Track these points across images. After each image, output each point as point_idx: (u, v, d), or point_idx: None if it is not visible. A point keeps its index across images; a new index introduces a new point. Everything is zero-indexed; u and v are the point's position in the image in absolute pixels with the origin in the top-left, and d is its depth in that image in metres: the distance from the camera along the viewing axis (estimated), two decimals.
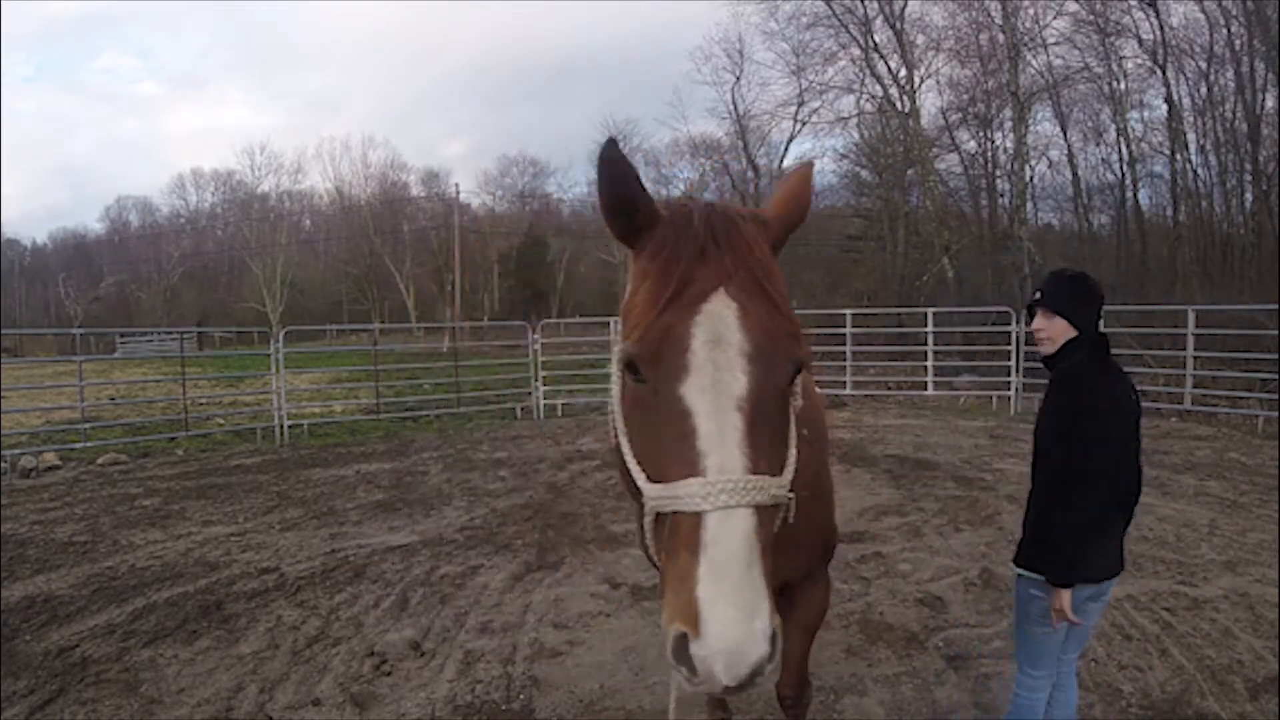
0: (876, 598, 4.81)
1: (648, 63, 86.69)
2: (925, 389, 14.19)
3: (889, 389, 14.90)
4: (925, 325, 14.28)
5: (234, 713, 3.65)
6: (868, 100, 27.57)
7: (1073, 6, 22.60)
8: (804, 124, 29.97)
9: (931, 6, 25.88)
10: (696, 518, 1.20)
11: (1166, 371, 12.36)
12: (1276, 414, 10.27)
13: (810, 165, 1.71)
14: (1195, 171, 22.16)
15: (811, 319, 15.24)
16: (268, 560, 5.83)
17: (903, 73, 25.29)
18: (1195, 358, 11.51)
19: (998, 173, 26.15)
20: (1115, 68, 23.11)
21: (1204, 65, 21.51)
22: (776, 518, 1.34)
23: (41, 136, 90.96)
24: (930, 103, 29.04)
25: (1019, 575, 2.65)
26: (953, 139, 27.01)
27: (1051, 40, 23.57)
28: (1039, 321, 2.64)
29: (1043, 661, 2.69)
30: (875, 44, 25.43)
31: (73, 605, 4.94)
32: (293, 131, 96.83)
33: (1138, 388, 2.67)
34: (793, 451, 1.43)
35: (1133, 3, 21.85)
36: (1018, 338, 12.64)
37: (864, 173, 31.51)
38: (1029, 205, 25.07)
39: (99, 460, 9.89)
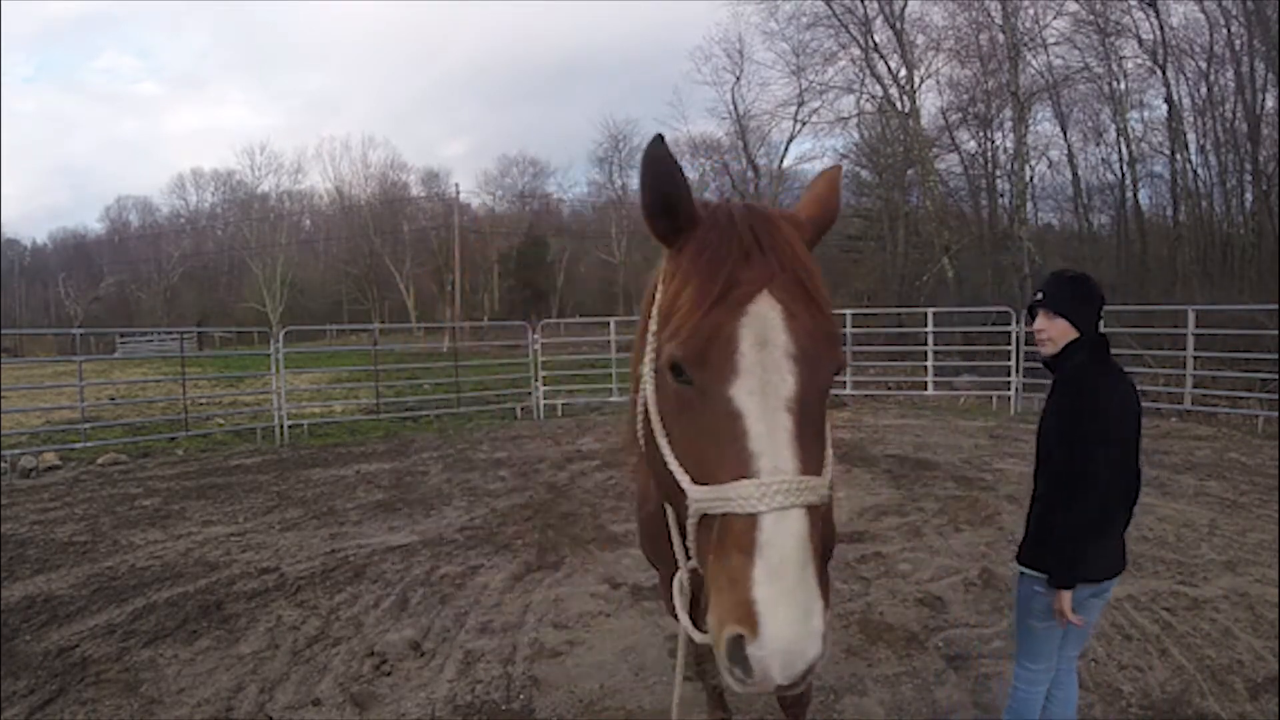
0: (876, 598, 4.81)
1: (648, 63, 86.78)
2: (925, 389, 14.19)
3: (889, 389, 14.90)
4: (925, 325, 14.28)
5: (234, 713, 3.65)
6: (868, 100, 27.59)
7: (1073, 6, 22.62)
8: (804, 124, 29.99)
9: (931, 6, 25.91)
10: (751, 519, 1.20)
11: (1166, 371, 12.36)
12: (1276, 414, 10.27)
13: (839, 168, 1.71)
14: (1195, 171, 22.17)
15: None
16: (268, 560, 5.83)
17: (903, 73, 25.29)
18: (1195, 358, 11.50)
19: (998, 173, 26.16)
20: (1115, 68, 23.12)
21: (1204, 65, 21.52)
22: (819, 517, 1.35)
23: (41, 136, 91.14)
24: (930, 103, 29.09)
25: (1021, 572, 2.67)
26: (953, 139, 27.02)
27: (1051, 40, 23.59)
28: (1040, 322, 2.64)
29: (1042, 656, 2.71)
30: (875, 44, 25.44)
31: (73, 605, 4.94)
32: (293, 131, 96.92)
33: (1138, 388, 2.68)
34: (829, 451, 1.43)
35: (1133, 3, 21.85)
36: (1018, 338, 12.64)
37: (864, 173, 31.50)
38: (1029, 205, 25.08)
39: (99, 460, 9.89)
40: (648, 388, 1.46)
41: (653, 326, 1.48)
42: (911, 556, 5.55)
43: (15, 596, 5.10)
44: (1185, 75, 22.01)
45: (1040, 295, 2.65)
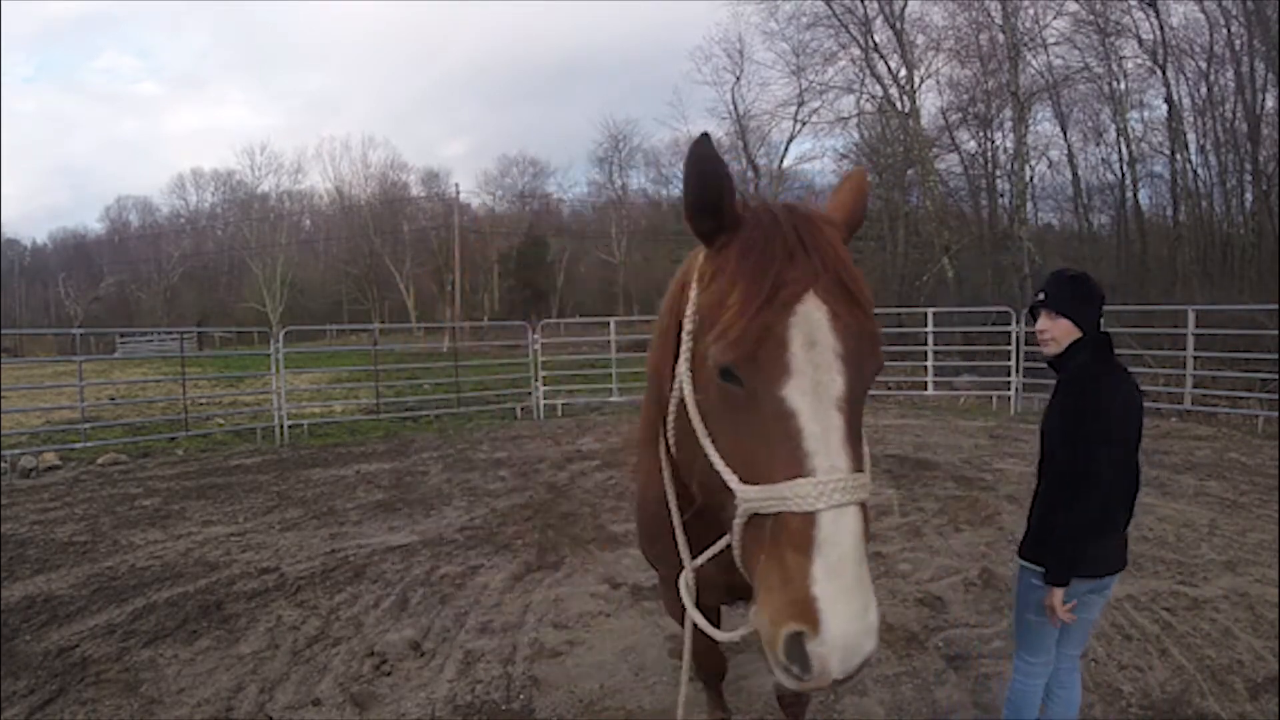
0: (877, 598, 4.80)
1: (648, 63, 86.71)
2: (925, 389, 14.19)
3: (889, 389, 14.89)
4: (925, 325, 14.27)
5: (234, 713, 3.65)
6: (868, 100, 27.59)
7: (1073, 6, 22.63)
8: (804, 124, 30.03)
9: (931, 6, 25.90)
10: (808, 517, 1.21)
11: (1166, 371, 12.36)
12: (1276, 414, 10.27)
13: (863, 171, 1.75)
14: (1195, 171, 22.18)
15: None
16: (268, 560, 5.83)
17: (903, 73, 25.29)
18: (1195, 358, 11.50)
19: (998, 173, 26.16)
20: (1115, 68, 23.13)
21: (1204, 65, 21.52)
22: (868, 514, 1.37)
23: (41, 136, 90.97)
24: (930, 103, 29.09)
25: (1022, 566, 2.70)
26: (953, 139, 27.02)
27: (1051, 40, 23.59)
28: (1043, 323, 2.65)
29: (1041, 649, 2.74)
30: (875, 44, 25.44)
31: (73, 605, 4.94)
32: (293, 131, 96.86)
33: (1140, 387, 2.68)
34: (867, 448, 1.46)
35: (1133, 3, 21.86)
36: (1018, 338, 12.64)
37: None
38: (1029, 205, 25.08)
39: (99, 460, 9.89)
40: (685, 389, 1.45)
41: (688, 326, 1.46)
42: (911, 556, 5.55)
43: (15, 596, 5.10)
44: (1185, 75, 22.03)
45: (1042, 296, 2.65)
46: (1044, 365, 2.81)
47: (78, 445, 10.39)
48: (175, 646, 4.35)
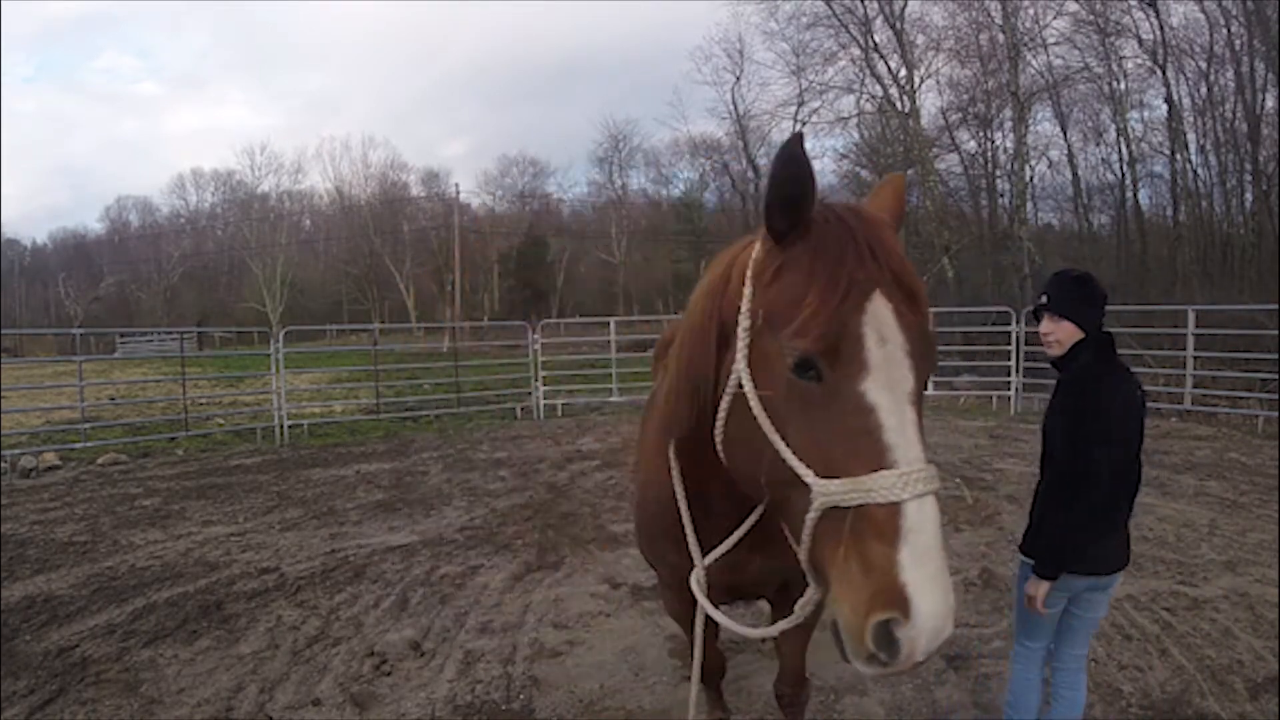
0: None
1: (648, 63, 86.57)
2: (925, 389, 14.17)
3: None
4: None
5: (234, 713, 3.65)
6: (868, 100, 27.62)
7: (1073, 6, 22.66)
8: (804, 124, 29.95)
9: (931, 6, 25.91)
10: (893, 508, 1.25)
11: (1166, 371, 12.36)
12: (1276, 414, 10.27)
13: (902, 176, 1.78)
14: (1195, 171, 22.19)
15: None
16: (268, 560, 5.83)
17: (903, 73, 25.31)
18: (1195, 358, 11.50)
19: (998, 173, 26.20)
20: (1115, 68, 23.15)
21: (1204, 65, 21.54)
22: None
23: (41, 136, 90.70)
24: (930, 103, 29.08)
25: (1022, 561, 2.74)
26: (953, 139, 27.05)
27: (1051, 40, 23.62)
28: (1046, 325, 2.67)
29: (1040, 635, 2.80)
30: (875, 44, 25.46)
31: (73, 605, 4.94)
32: (293, 131, 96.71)
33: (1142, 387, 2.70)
34: None
35: (1133, 3, 21.87)
36: (1018, 338, 12.64)
37: (864, 173, 31.50)
38: (1029, 205, 25.11)
39: (99, 460, 9.89)
40: (746, 385, 1.46)
41: (745, 323, 1.47)
42: None
43: (15, 596, 5.10)
44: (1185, 75, 22.04)
45: (1044, 298, 2.66)
46: (1044, 365, 2.83)
47: (78, 445, 10.39)
48: (175, 646, 4.35)
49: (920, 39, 25.48)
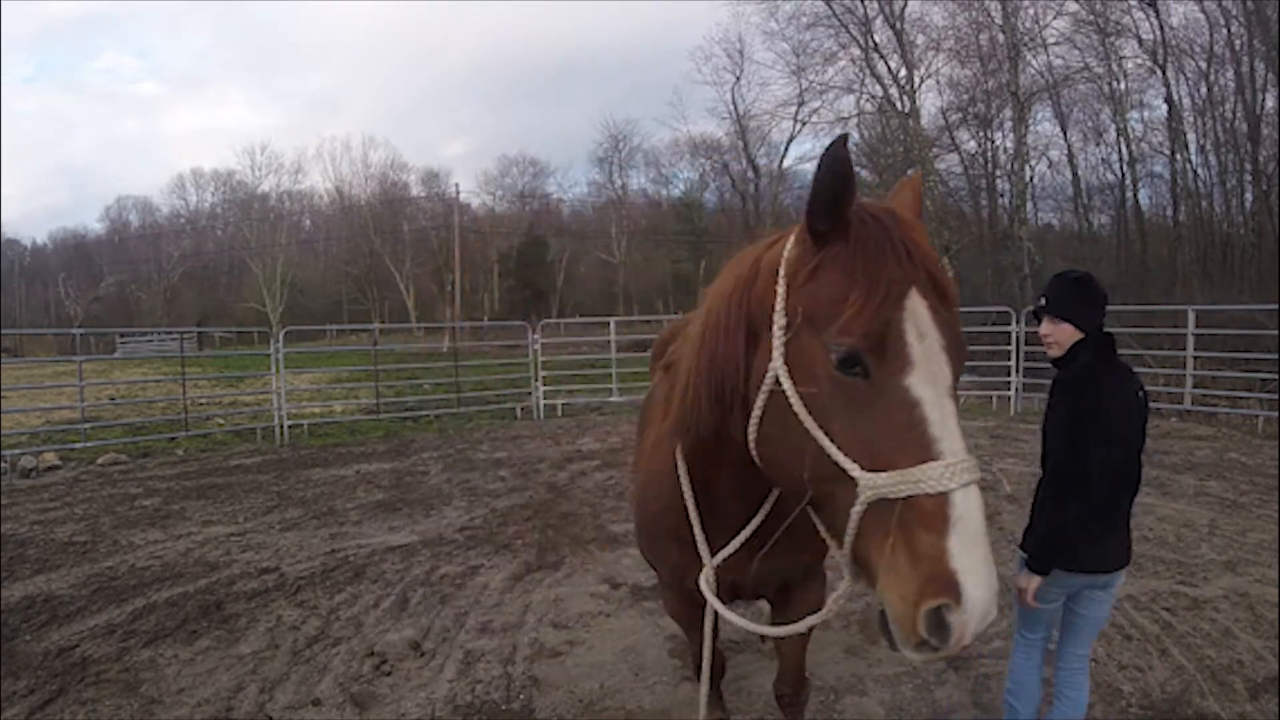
0: (876, 598, 4.80)
1: (648, 63, 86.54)
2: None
3: None
4: None
5: (234, 713, 3.65)
6: (868, 100, 27.64)
7: (1073, 6, 22.67)
8: (804, 124, 30.07)
9: (931, 6, 25.92)
10: (942, 498, 1.29)
11: (1166, 371, 12.36)
12: (1276, 414, 10.27)
13: (919, 176, 1.81)
14: (1195, 171, 22.20)
15: None
16: (268, 560, 5.83)
17: (903, 73, 25.33)
18: (1195, 358, 11.50)
19: (998, 173, 26.21)
20: (1115, 68, 23.17)
21: (1204, 65, 21.54)
22: None
23: (41, 136, 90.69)
24: (930, 103, 29.13)
25: (1020, 553, 2.79)
26: (953, 139, 27.06)
27: (1051, 40, 23.64)
28: (1045, 327, 2.69)
29: (1038, 626, 2.86)
30: (875, 44, 25.47)
31: (73, 605, 4.94)
32: (293, 131, 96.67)
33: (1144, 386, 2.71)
34: None
35: (1133, 3, 21.88)
36: (1018, 338, 12.63)
37: (864, 173, 31.49)
38: (1029, 205, 25.11)
39: (99, 460, 9.89)
40: (785, 383, 1.47)
41: (781, 321, 1.48)
42: None
43: (15, 596, 5.10)
44: (1185, 75, 22.05)
45: (1043, 301, 2.68)
46: (1044, 365, 2.85)
47: (78, 445, 10.39)
48: (175, 646, 4.35)
49: (920, 39, 25.53)
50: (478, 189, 59.36)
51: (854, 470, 1.36)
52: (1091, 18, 22.47)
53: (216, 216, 58.22)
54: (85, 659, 4.18)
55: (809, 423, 1.42)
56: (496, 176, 56.53)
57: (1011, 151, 24.68)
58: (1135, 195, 24.48)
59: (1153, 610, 4.49)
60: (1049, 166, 27.00)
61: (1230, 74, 21.01)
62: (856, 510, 1.35)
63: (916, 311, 1.39)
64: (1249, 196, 21.12)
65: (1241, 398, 11.67)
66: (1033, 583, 2.63)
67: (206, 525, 6.86)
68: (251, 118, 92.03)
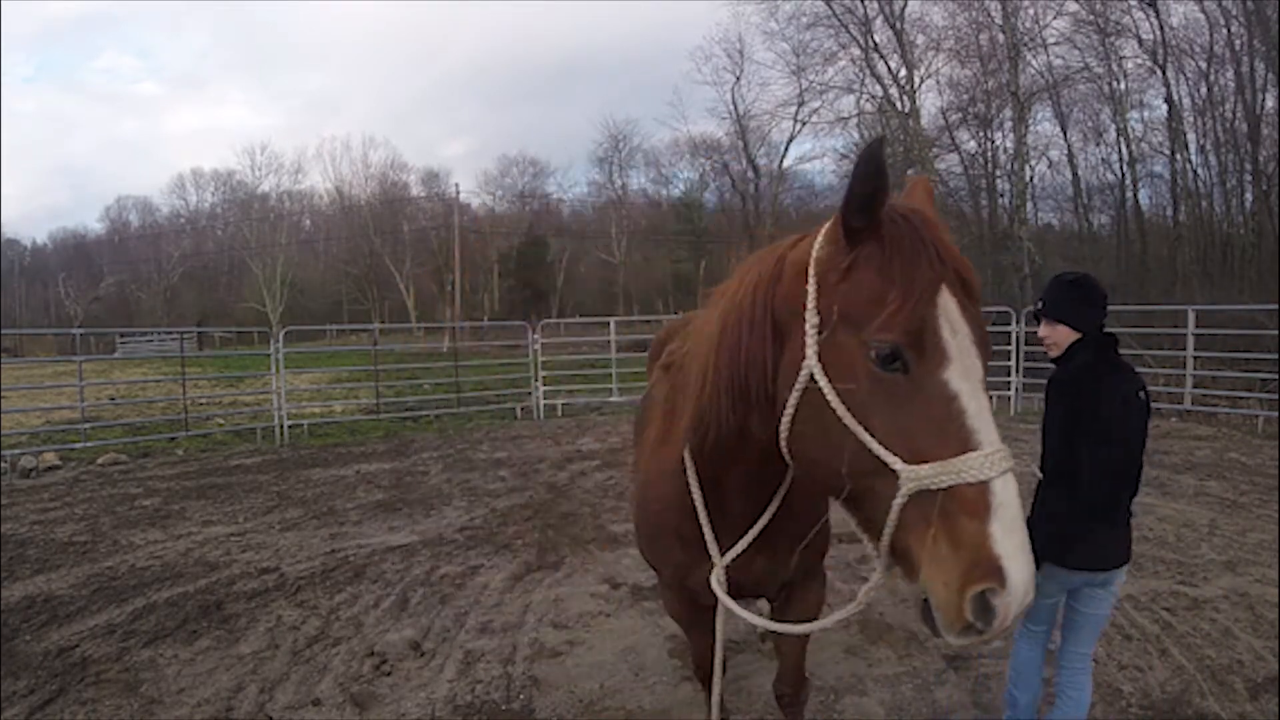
0: (876, 598, 4.78)
1: (648, 63, 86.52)
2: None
3: None
4: None
5: (234, 713, 3.65)
6: (868, 100, 27.63)
7: (1073, 6, 22.66)
8: (804, 124, 30.06)
9: (931, 6, 25.92)
10: (982, 486, 1.34)
11: (1166, 371, 12.36)
12: (1276, 414, 10.27)
13: (926, 178, 1.84)
14: (1195, 171, 22.19)
15: None
16: (268, 560, 5.83)
17: (903, 73, 25.34)
18: (1195, 358, 11.50)
19: (998, 173, 26.19)
20: (1115, 68, 23.16)
21: (1204, 65, 21.53)
22: None
23: (41, 136, 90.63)
24: (930, 103, 29.09)
25: None
26: (953, 139, 27.05)
27: (1051, 40, 23.62)
28: (1043, 330, 2.73)
29: (1042, 619, 2.87)
30: (875, 44, 25.48)
31: (73, 605, 4.94)
32: (293, 131, 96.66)
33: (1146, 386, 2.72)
34: None
35: (1133, 3, 21.87)
36: (1018, 338, 12.63)
37: None
38: (1029, 205, 25.11)
39: (99, 460, 9.89)
40: (821, 381, 1.49)
41: (813, 320, 1.50)
42: None
43: (15, 596, 5.10)
44: (1185, 75, 22.04)
45: (1041, 304, 2.72)
46: (1045, 365, 2.86)
47: (78, 445, 10.39)
48: (175, 646, 4.35)
49: (920, 39, 25.53)
50: (478, 189, 59.40)
51: (895, 463, 1.39)
52: (1091, 18, 22.48)
53: (216, 216, 58.24)
54: (85, 659, 4.18)
55: (848, 419, 1.45)
56: (496, 176, 56.60)
57: (1011, 151, 24.69)
58: (1135, 195, 24.50)
59: (1153, 610, 4.49)
60: (1049, 166, 27.02)
61: (1230, 74, 21.01)
62: (898, 502, 1.38)
63: (948, 308, 1.43)
64: (1249, 196, 21.12)
65: (1241, 398, 11.67)
66: None
67: (206, 525, 6.86)
68: (251, 118, 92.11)
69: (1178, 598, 4.66)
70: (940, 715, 3.50)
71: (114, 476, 9.11)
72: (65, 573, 5.58)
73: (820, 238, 1.57)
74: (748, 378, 1.66)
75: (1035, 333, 2.83)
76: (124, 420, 12.47)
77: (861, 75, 26.86)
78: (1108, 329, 2.70)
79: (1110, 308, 2.71)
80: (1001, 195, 26.19)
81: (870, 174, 1.42)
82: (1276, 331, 11.01)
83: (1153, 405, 2.74)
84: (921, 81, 25.87)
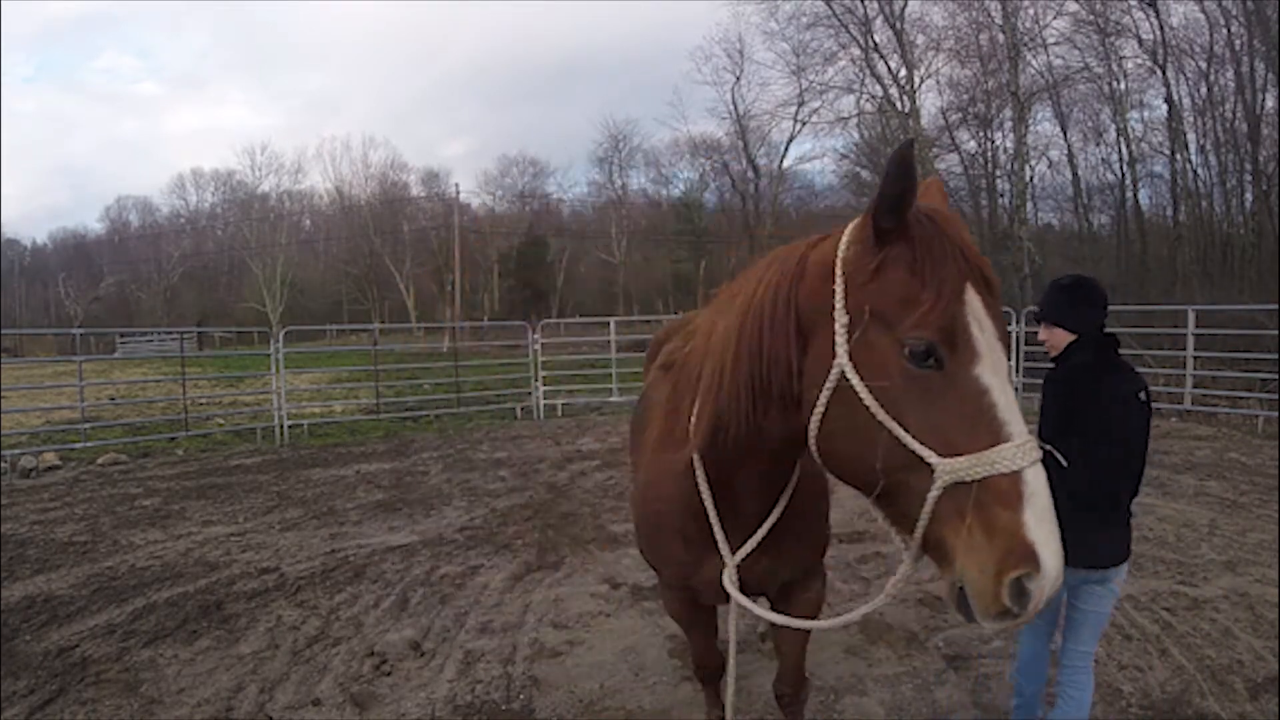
0: (876, 597, 4.81)
1: (648, 63, 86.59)
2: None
3: None
4: None
5: (234, 713, 3.65)
6: (868, 100, 27.66)
7: (1073, 6, 22.66)
8: (804, 124, 30.11)
9: (931, 6, 25.93)
10: (1015, 476, 1.38)
11: (1166, 371, 12.36)
12: (1276, 414, 10.27)
13: (938, 179, 1.85)
14: (1195, 171, 22.18)
15: None
16: (268, 560, 5.83)
17: (903, 73, 25.33)
18: (1195, 358, 11.51)
19: (998, 173, 26.20)
20: (1115, 68, 23.16)
21: (1204, 65, 21.52)
22: None
23: (41, 136, 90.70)
24: (930, 103, 29.12)
25: None
26: (953, 139, 27.07)
27: (1051, 40, 23.63)
28: (1042, 333, 2.78)
29: (1043, 613, 2.83)
30: (875, 44, 25.48)
31: (73, 605, 4.94)
32: (293, 131, 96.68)
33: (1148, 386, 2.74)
34: None
35: (1133, 3, 21.87)
36: (1017, 338, 12.63)
37: (864, 173, 31.55)
38: (1029, 205, 25.11)
39: (99, 460, 9.89)
40: (852, 379, 1.51)
41: (843, 319, 1.53)
42: None
43: (15, 596, 5.10)
44: (1185, 75, 22.04)
45: (1038, 308, 2.78)
46: (1045, 365, 2.90)
47: (78, 445, 10.39)
48: (175, 646, 4.35)
49: (920, 39, 25.54)
50: (478, 189, 59.41)
51: (930, 457, 1.42)
52: (1091, 18, 22.48)
53: (216, 216, 58.24)
54: (85, 659, 4.18)
55: (882, 415, 1.47)
56: (496, 176, 56.60)
57: (1011, 151, 24.69)
58: (1135, 195, 24.49)
59: (1153, 610, 4.49)
60: (1049, 166, 27.04)
61: (1230, 74, 21.01)
62: (933, 495, 1.41)
63: (974, 306, 1.47)
64: (1249, 196, 21.11)
65: (1241, 398, 11.67)
66: None
67: (206, 525, 6.86)
68: (251, 118, 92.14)
69: (1178, 598, 4.66)
70: (940, 715, 3.50)
71: (114, 476, 9.11)
72: (65, 573, 5.58)
73: (845, 238, 1.59)
74: (769, 376, 1.67)
75: (1035, 334, 2.87)
76: (124, 420, 12.48)
77: (861, 75, 26.92)
78: (1108, 329, 2.72)
79: (1110, 308, 2.74)
80: (1001, 195, 26.21)
81: (900, 175, 1.44)
82: (1276, 331, 11.01)
83: (1154, 405, 2.74)
84: (921, 81, 25.92)
